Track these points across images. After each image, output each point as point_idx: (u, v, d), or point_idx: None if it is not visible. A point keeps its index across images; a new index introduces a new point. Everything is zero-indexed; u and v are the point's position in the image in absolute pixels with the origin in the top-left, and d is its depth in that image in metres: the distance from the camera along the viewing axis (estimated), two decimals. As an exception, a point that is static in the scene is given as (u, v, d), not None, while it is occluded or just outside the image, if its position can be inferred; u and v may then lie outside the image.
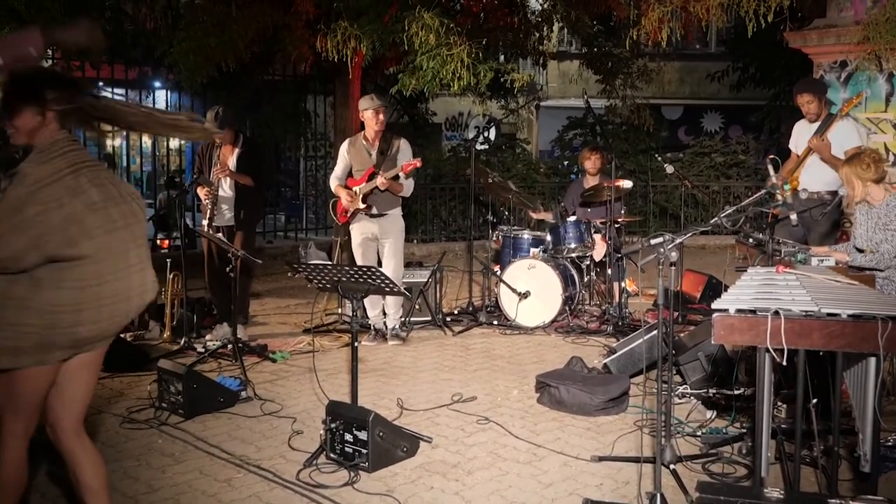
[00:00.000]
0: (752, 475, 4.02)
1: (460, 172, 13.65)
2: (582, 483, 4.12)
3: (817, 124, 6.65)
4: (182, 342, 6.70)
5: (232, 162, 6.89)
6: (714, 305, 3.26)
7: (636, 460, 4.26)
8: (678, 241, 4.04)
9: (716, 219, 4.43)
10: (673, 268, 3.96)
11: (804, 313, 3.10)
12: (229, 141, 6.93)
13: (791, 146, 6.96)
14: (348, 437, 4.30)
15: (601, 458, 4.41)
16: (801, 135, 6.84)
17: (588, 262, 7.94)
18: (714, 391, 5.15)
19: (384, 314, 7.16)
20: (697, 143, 16.13)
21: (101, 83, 10.74)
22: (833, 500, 2.90)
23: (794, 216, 5.01)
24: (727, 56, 19.35)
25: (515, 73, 9.21)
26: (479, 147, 14.61)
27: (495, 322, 7.73)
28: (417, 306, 7.59)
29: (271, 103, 12.98)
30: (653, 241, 4.03)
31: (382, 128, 6.95)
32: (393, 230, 7.04)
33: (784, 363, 3.09)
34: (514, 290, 7.58)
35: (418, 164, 6.83)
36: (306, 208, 14.64)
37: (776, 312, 3.08)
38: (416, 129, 15.18)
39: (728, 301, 3.29)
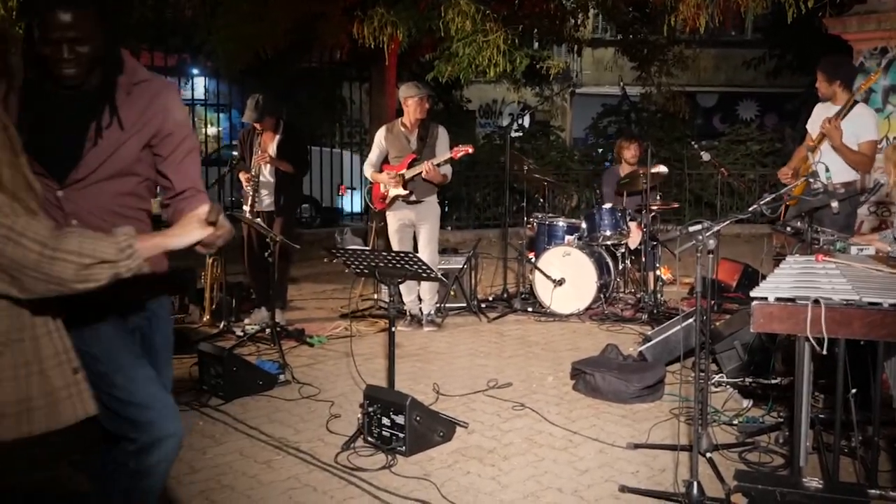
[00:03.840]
0: (789, 465, 4.02)
1: (494, 160, 13.65)
2: (618, 470, 4.14)
3: (837, 107, 6.32)
4: (221, 326, 6.81)
5: (272, 148, 6.96)
6: (753, 293, 3.26)
7: (673, 448, 4.27)
8: (716, 228, 4.03)
9: (755, 206, 4.40)
10: (711, 255, 3.96)
11: (845, 302, 3.08)
12: (270, 128, 6.99)
13: (808, 127, 6.69)
14: (385, 421, 4.35)
15: (637, 446, 4.42)
16: (819, 117, 6.54)
17: (623, 250, 7.93)
18: (750, 380, 5.13)
19: (419, 300, 7.21)
20: (733, 131, 15.98)
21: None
22: (872, 491, 2.91)
23: (834, 204, 4.96)
24: (763, 43, 19.12)
25: (556, 59, 9.18)
26: (513, 134, 14.58)
27: (530, 309, 7.75)
28: (452, 292, 7.63)
29: (307, 90, 13.05)
30: (691, 229, 4.02)
31: (425, 116, 7.00)
32: (429, 217, 7.08)
33: (824, 352, 3.08)
34: (548, 278, 7.59)
35: (470, 151, 6.88)
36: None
37: (816, 301, 3.07)
38: (451, 116, 15.19)
39: (767, 289, 3.28)
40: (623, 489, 3.88)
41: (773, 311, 3.18)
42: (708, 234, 3.89)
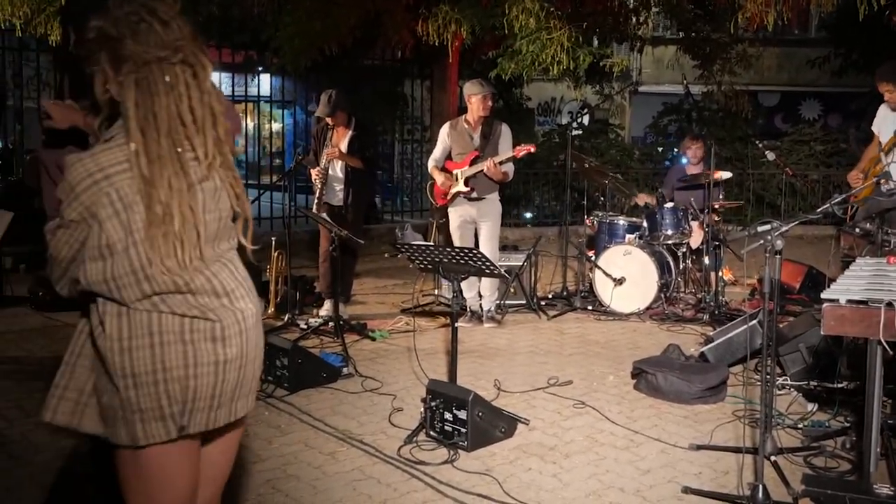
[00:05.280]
0: (855, 470, 3.97)
1: (553, 157, 13.62)
2: (680, 471, 4.12)
3: None
4: (286, 318, 6.92)
5: (344, 144, 7.05)
6: (824, 295, 3.23)
7: (737, 450, 4.23)
8: (785, 228, 3.99)
9: (826, 206, 4.34)
10: (778, 256, 3.92)
11: (919, 306, 3.04)
12: (342, 123, 7.08)
13: (874, 129, 6.54)
14: (448, 415, 4.38)
15: (699, 447, 4.39)
16: (885, 120, 6.32)
17: (684, 250, 7.87)
18: (815, 384, 5.07)
19: (480, 296, 7.24)
20: (796, 131, 15.72)
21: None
22: (945, 498, 2.87)
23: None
24: (828, 41, 18.71)
25: (616, 57, 9.13)
26: (572, 132, 14.55)
27: (590, 307, 7.74)
28: (512, 289, 7.65)
29: (370, 87, 13.16)
30: (760, 229, 3.99)
31: (488, 113, 7.04)
32: (491, 213, 7.11)
33: (897, 356, 3.05)
34: (609, 276, 7.57)
35: (532, 150, 6.91)
36: (401, 191, 14.84)
37: (889, 304, 3.04)
38: (511, 114, 15.18)
39: (839, 291, 3.25)
40: (686, 490, 3.86)
41: (845, 314, 3.15)
42: (777, 234, 3.85)
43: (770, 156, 8.20)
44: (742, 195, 13.84)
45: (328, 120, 7.02)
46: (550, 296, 8.18)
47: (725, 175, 7.71)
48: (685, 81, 8.03)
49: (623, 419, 4.85)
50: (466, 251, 4.69)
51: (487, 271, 4.73)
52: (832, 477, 3.97)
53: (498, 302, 7.38)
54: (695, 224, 7.86)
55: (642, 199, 8.61)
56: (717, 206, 7.86)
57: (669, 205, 7.97)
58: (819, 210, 4.43)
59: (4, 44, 10.60)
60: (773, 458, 4.03)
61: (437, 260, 4.78)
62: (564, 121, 17.23)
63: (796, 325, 5.84)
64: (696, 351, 6.07)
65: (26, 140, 11.15)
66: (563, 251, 8.47)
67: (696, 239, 7.84)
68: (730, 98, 13.25)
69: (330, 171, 7.06)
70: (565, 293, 8.17)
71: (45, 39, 8.67)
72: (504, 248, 7.83)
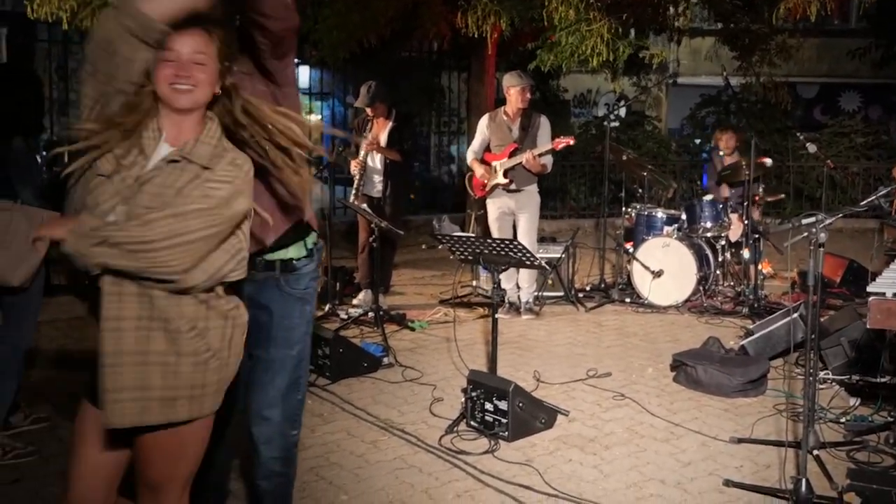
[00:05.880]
0: (900, 465, 3.95)
1: (590, 150, 13.57)
2: (721, 464, 4.12)
3: None
4: (326, 308, 6.98)
5: (383, 136, 7.09)
6: (870, 289, 3.21)
7: (779, 444, 4.22)
8: (829, 221, 3.96)
9: (871, 198, 4.31)
10: (821, 249, 3.89)
11: (968, 300, 3.01)
12: (382, 114, 7.12)
13: None
14: (489, 406, 4.42)
15: (740, 440, 4.39)
16: None
17: (723, 243, 7.83)
18: (857, 378, 5.03)
19: (518, 288, 7.26)
20: (836, 123, 15.52)
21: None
22: None
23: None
24: (869, 32, 18.42)
25: (654, 48, 9.06)
26: (610, 124, 14.50)
27: (628, 300, 7.73)
28: (550, 281, 7.66)
29: (407, 79, 13.18)
30: (804, 221, 3.96)
31: (526, 105, 7.05)
32: (529, 205, 7.12)
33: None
34: (647, 269, 7.55)
35: (571, 142, 6.92)
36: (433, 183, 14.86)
37: (938, 298, 3.01)
38: (547, 106, 15.14)
39: (885, 285, 3.22)
40: (728, 483, 3.86)
41: (892, 307, 3.12)
42: (821, 226, 3.83)
43: (811, 148, 8.11)
44: (781, 188, 13.70)
45: (368, 111, 7.06)
46: (588, 288, 8.17)
47: (768, 161, 7.64)
48: (725, 73, 7.94)
49: (663, 411, 4.86)
50: (507, 242, 4.72)
51: (527, 262, 4.75)
52: (878, 471, 3.94)
53: (536, 294, 7.39)
54: (734, 216, 7.82)
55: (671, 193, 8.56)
56: (757, 199, 7.80)
57: (708, 197, 7.93)
58: (864, 203, 4.40)
59: (50, 37, 10.77)
60: (815, 452, 4.01)
61: (477, 251, 4.81)
62: (600, 113, 17.14)
63: (837, 319, 5.80)
64: (735, 344, 6.05)
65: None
66: (600, 243, 8.46)
67: (735, 231, 7.80)
68: (769, 90, 13.11)
69: (369, 163, 7.11)
70: (603, 285, 8.16)
71: (89, 32, 8.74)
72: (542, 239, 7.84)
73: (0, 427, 4.11)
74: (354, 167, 7.07)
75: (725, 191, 8.13)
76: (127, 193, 2.17)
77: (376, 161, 7.14)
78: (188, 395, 2.25)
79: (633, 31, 12.15)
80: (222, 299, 2.30)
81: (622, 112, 16.94)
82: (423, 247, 10.41)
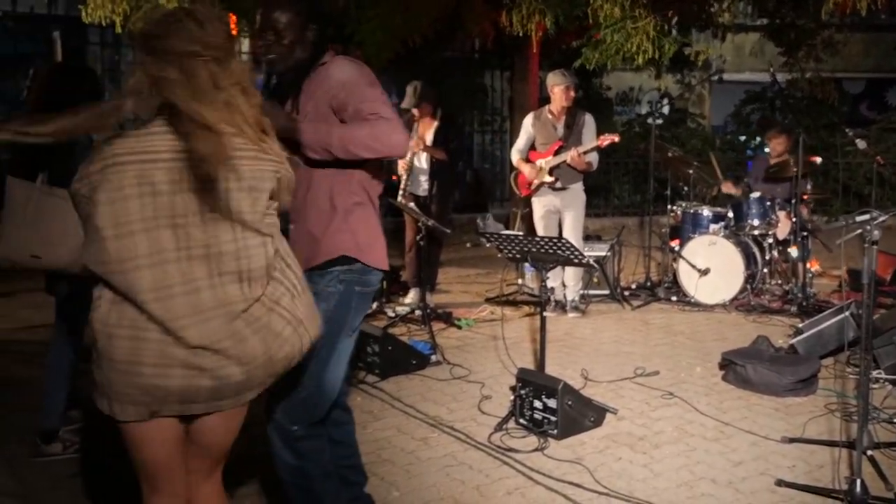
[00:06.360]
0: (956, 466, 3.90)
1: (633, 147, 13.50)
2: (773, 464, 4.09)
3: None
4: (374, 306, 7.03)
5: (429, 136, 7.14)
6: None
7: (833, 444, 4.19)
8: (883, 218, 3.92)
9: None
10: (875, 247, 3.85)
11: None
12: (428, 114, 7.17)
13: None
14: (537, 404, 4.43)
15: (792, 440, 4.35)
16: None
17: (771, 240, 7.76)
18: (911, 377, 4.98)
19: (563, 286, 7.26)
20: (884, 119, 15.26)
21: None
22: None
23: None
24: (917, 26, 18.10)
25: (697, 45, 8.99)
26: (654, 122, 14.43)
27: (674, 298, 7.69)
28: (596, 279, 7.65)
29: (451, 79, 13.22)
30: (858, 218, 3.92)
31: (570, 104, 7.06)
32: (575, 203, 7.12)
33: None
34: (693, 267, 7.51)
35: (616, 140, 6.91)
36: (477, 182, 14.86)
37: None
38: (590, 104, 15.09)
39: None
40: (780, 483, 3.83)
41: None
42: (875, 223, 3.79)
43: (860, 144, 8.02)
44: (828, 185, 13.52)
45: (413, 112, 7.10)
46: (633, 286, 8.15)
47: (818, 160, 7.56)
48: (771, 69, 7.86)
49: (712, 410, 4.83)
50: (555, 240, 4.72)
51: (575, 260, 4.76)
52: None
53: (581, 292, 7.39)
54: (782, 214, 7.74)
55: (728, 187, 8.50)
56: (805, 198, 7.72)
57: (756, 195, 7.86)
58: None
59: (102, 40, 10.97)
60: (869, 452, 3.98)
61: (525, 249, 4.83)
62: (643, 111, 17.03)
63: (889, 318, 5.73)
64: (785, 343, 6.00)
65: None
66: (645, 241, 8.42)
67: (783, 229, 7.72)
68: (815, 85, 12.94)
69: (415, 163, 7.15)
70: (648, 283, 8.13)
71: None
72: (586, 238, 7.84)
73: (60, 422, 4.21)
74: (401, 168, 7.12)
75: (768, 189, 8.06)
76: None
77: (422, 161, 7.18)
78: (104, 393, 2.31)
79: (675, 29, 12.09)
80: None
81: (665, 109, 16.83)
82: (468, 245, 10.46)
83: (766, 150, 8.54)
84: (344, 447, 3.28)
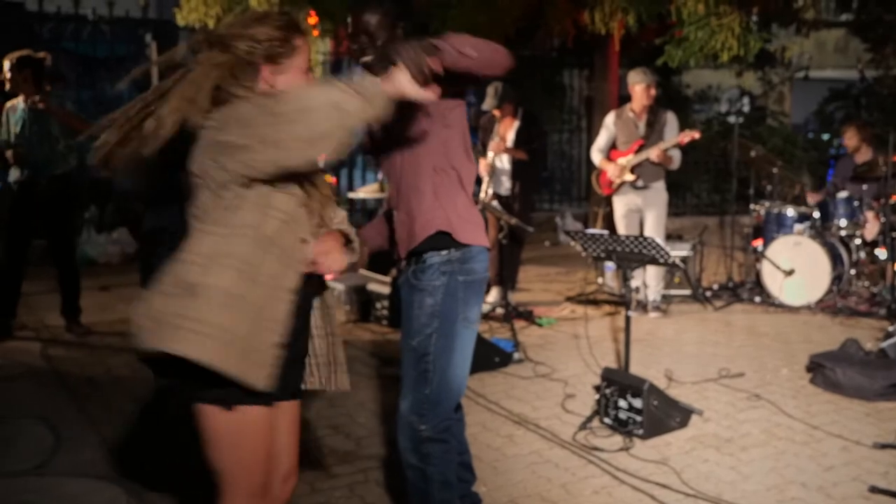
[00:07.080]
0: None
1: (713, 146, 13.32)
2: (865, 469, 4.02)
3: None
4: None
5: (511, 136, 7.17)
6: None
7: (929, 450, 4.11)
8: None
9: None
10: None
11: None
12: (509, 114, 7.20)
13: None
14: (622, 403, 4.44)
15: (884, 446, 4.27)
16: None
17: (858, 241, 7.60)
18: None
19: (645, 285, 7.22)
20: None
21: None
22: None
23: None
24: None
25: (781, 42, 8.84)
26: (732, 120, 14.20)
27: (757, 299, 7.58)
28: (677, 279, 7.59)
29: (530, 78, 13.21)
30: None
31: (651, 102, 7.02)
32: (656, 202, 7.09)
33: None
34: (778, 267, 7.39)
35: (697, 136, 6.85)
36: (553, 180, 14.82)
37: None
38: (669, 102, 14.92)
39: None
40: (874, 490, 3.76)
41: None
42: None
43: (950, 143, 7.77)
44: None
45: (494, 112, 7.13)
46: (715, 286, 8.05)
47: None
48: (860, 66, 7.68)
49: (800, 413, 4.77)
50: (640, 239, 4.72)
51: (661, 260, 4.74)
52: None
53: (663, 292, 7.34)
54: (870, 214, 7.57)
55: (812, 198, 8.33)
56: (893, 198, 7.53)
57: (843, 194, 7.71)
58: None
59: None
60: (967, 460, 3.89)
61: (610, 248, 4.83)
62: (722, 109, 16.77)
63: None
64: (874, 346, 5.88)
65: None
66: (727, 241, 8.32)
67: (871, 230, 7.55)
68: (902, 82, 12.63)
69: (497, 164, 7.19)
70: (731, 284, 8.03)
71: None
72: (667, 237, 7.78)
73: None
74: (483, 168, 7.17)
75: (855, 189, 7.89)
76: None
77: (504, 161, 7.22)
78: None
79: (755, 25, 11.88)
80: None
81: (745, 107, 16.56)
82: (547, 244, 10.46)
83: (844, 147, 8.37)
84: (455, 444, 3.33)
